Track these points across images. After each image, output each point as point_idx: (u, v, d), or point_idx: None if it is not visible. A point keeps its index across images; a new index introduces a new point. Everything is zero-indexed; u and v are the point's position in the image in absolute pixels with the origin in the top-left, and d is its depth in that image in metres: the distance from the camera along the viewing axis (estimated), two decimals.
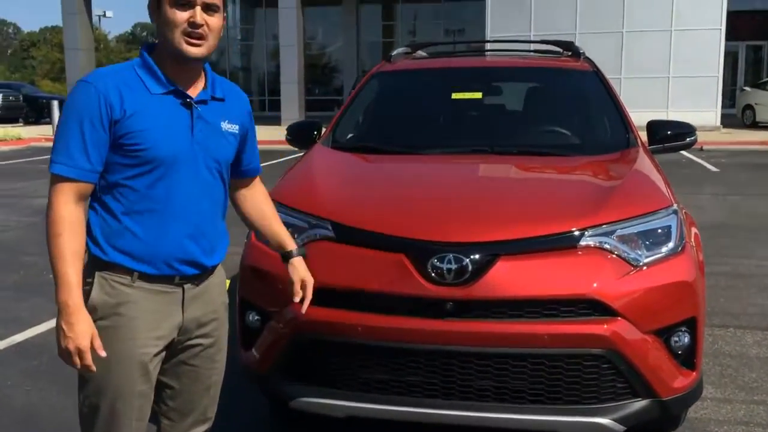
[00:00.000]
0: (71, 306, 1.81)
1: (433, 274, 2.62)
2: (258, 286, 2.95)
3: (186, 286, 2.00)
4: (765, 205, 8.97)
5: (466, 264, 2.61)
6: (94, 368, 1.83)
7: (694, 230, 3.09)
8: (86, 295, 1.90)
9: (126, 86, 1.89)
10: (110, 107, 1.85)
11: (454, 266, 2.61)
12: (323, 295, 2.71)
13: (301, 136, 4.20)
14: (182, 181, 1.93)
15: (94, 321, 1.87)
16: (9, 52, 74.49)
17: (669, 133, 3.91)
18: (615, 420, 2.61)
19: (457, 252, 2.62)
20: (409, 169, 3.61)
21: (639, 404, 2.65)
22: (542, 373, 2.61)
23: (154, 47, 1.98)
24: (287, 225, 2.94)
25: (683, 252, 2.79)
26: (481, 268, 2.61)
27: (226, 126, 2.04)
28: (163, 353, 2.02)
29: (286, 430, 3.31)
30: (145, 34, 70.74)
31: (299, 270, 2.32)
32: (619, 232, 2.74)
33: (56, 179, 1.86)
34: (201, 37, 1.90)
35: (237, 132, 2.08)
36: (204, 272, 2.04)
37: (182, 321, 2.01)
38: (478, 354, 2.61)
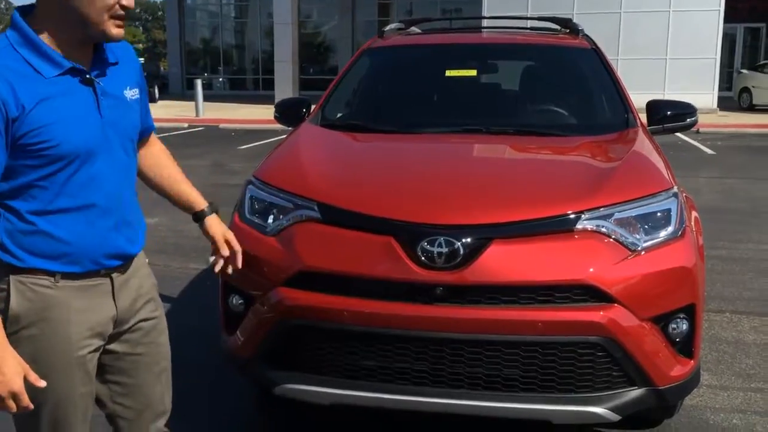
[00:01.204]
0: None
1: (423, 258, 2.51)
2: (241, 269, 2.83)
3: (113, 275, 1.83)
4: (761, 188, 8.89)
5: (458, 247, 2.50)
6: (32, 406, 1.64)
7: (694, 214, 2.99)
8: (3, 303, 1.69)
9: (14, 73, 1.58)
10: (3, 104, 1.56)
11: (445, 250, 2.50)
12: (308, 279, 2.62)
13: (289, 113, 4.07)
14: (100, 170, 1.72)
15: (19, 331, 1.68)
16: None
17: (669, 113, 3.79)
18: (610, 409, 2.53)
19: (448, 235, 2.52)
20: (400, 149, 3.49)
21: (635, 393, 2.56)
22: (535, 361, 2.52)
23: (30, 12, 1.67)
24: (271, 206, 2.86)
25: (683, 236, 2.69)
26: (473, 252, 2.51)
27: (129, 93, 1.81)
28: (101, 349, 1.85)
29: (271, 418, 3.22)
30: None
31: (217, 226, 2.19)
32: (617, 216, 2.64)
33: None
34: (124, 18, 1.69)
35: (138, 96, 1.86)
36: (129, 261, 1.88)
37: (116, 312, 1.85)
38: (469, 341, 2.51)
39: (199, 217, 2.16)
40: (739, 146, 12.95)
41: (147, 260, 2.01)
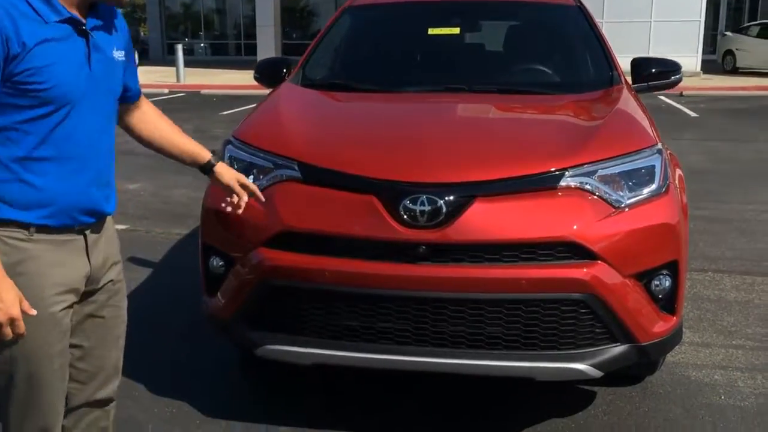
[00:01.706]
0: None
1: (405, 217, 2.48)
2: (221, 230, 2.80)
3: (87, 233, 1.83)
4: (743, 150, 8.92)
5: (441, 206, 2.47)
6: (25, 333, 1.67)
7: (678, 172, 2.97)
8: None
9: (18, 13, 1.62)
10: (6, 40, 1.59)
11: (427, 208, 2.47)
12: (289, 239, 2.58)
13: (269, 73, 3.99)
14: (85, 122, 1.74)
15: None
16: None
17: (653, 70, 3.76)
18: (592, 365, 2.53)
19: (430, 193, 2.49)
20: (382, 108, 3.44)
21: (617, 349, 2.56)
22: (519, 319, 2.51)
23: None
24: (251, 166, 2.81)
25: (667, 193, 2.68)
26: (456, 210, 2.48)
27: (116, 54, 1.84)
28: (73, 307, 1.84)
29: (253, 380, 3.21)
30: None
31: (228, 172, 2.19)
32: (600, 173, 2.62)
33: None
34: None
35: (123, 59, 1.88)
36: (102, 220, 1.89)
37: (90, 269, 1.85)
38: (452, 299, 2.50)
39: (207, 167, 2.15)
40: (722, 109, 12.95)
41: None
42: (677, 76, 3.77)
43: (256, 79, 4.07)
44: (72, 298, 1.81)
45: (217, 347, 3.33)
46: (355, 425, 2.82)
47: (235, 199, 2.21)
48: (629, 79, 3.72)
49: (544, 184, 2.57)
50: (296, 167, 2.68)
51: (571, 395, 3.03)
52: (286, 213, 2.59)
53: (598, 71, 3.73)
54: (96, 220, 1.84)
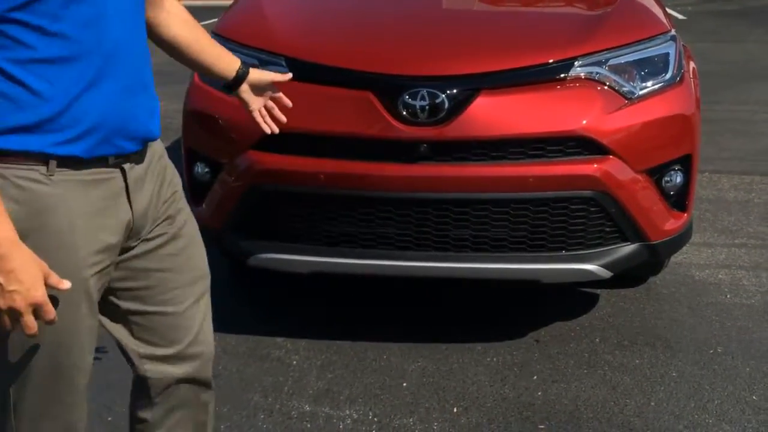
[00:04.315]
0: (2, 241, 1.14)
1: (404, 113, 2.32)
2: (205, 133, 2.61)
3: (126, 166, 1.32)
4: (733, 51, 8.75)
5: (442, 100, 2.31)
6: (55, 318, 1.21)
7: (692, 64, 2.81)
8: None
9: None
10: None
11: (428, 103, 2.31)
12: (280, 141, 2.39)
13: None
14: (108, 2, 1.24)
15: None
16: None
17: None
18: (602, 266, 2.43)
19: (431, 87, 2.32)
20: None
21: (627, 248, 2.46)
22: (525, 220, 2.39)
23: None
24: None
25: (681, 83, 2.53)
26: (458, 105, 2.32)
27: None
28: (109, 271, 1.36)
29: (246, 290, 3.09)
30: None
31: (264, 74, 1.77)
32: (612, 62, 2.45)
33: None
34: None
35: None
36: (145, 146, 1.37)
37: (131, 217, 1.34)
38: (456, 200, 2.37)
39: (242, 74, 1.70)
40: (710, 11, 12.67)
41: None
42: None
43: None
44: (108, 259, 1.33)
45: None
46: (357, 336, 2.72)
47: (277, 114, 1.81)
48: None
49: (551, 74, 2.41)
50: (284, 63, 2.48)
51: (575, 299, 2.95)
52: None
53: None
54: (139, 147, 1.34)
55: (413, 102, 2.31)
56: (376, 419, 2.28)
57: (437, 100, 2.30)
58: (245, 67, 1.71)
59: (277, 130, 1.84)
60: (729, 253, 3.35)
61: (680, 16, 11.88)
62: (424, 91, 2.31)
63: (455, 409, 2.32)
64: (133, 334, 1.45)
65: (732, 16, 11.87)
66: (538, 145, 2.34)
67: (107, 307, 1.41)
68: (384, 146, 2.35)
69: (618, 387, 2.42)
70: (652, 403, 2.34)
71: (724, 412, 2.29)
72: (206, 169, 2.61)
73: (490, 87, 2.34)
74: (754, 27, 10.56)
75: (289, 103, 1.82)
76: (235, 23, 2.80)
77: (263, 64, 2.51)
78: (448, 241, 2.42)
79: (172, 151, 1.77)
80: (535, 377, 2.47)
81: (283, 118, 1.82)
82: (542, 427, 2.24)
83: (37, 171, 1.21)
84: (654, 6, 2.84)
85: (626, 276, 2.86)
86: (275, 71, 2.47)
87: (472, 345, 2.64)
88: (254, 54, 2.55)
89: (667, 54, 2.54)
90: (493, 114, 2.33)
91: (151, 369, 1.47)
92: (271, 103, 1.81)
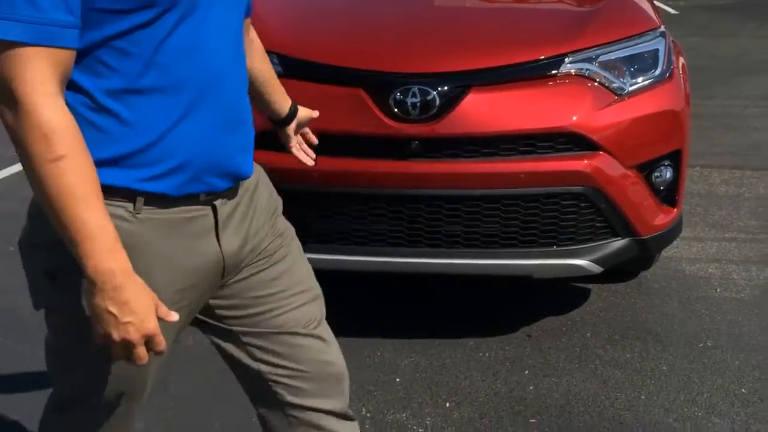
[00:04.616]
0: (117, 272, 1.08)
1: (395, 110, 2.33)
2: None
3: (217, 203, 1.25)
4: (725, 46, 8.77)
5: (433, 97, 2.32)
6: (166, 351, 1.17)
7: (681, 60, 2.83)
8: (55, 246, 1.12)
9: None
10: None
11: (419, 100, 2.32)
12: (272, 139, 2.40)
13: None
14: (207, 35, 1.17)
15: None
16: None
17: None
18: (592, 261, 2.45)
19: (422, 84, 2.33)
20: None
21: (618, 244, 2.49)
22: (516, 215, 2.41)
23: None
24: None
25: (671, 79, 2.55)
26: (449, 102, 2.33)
27: None
28: (199, 306, 1.31)
29: None
30: None
31: (306, 113, 1.74)
32: (601, 58, 2.47)
33: (12, 52, 1.03)
34: None
35: None
36: (237, 184, 1.29)
37: (222, 257, 1.26)
38: (447, 197, 2.38)
39: (293, 112, 1.68)
40: (703, 5, 12.68)
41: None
42: None
43: None
44: (190, 296, 1.26)
45: None
46: (351, 332, 2.73)
47: (305, 148, 1.77)
48: None
49: (542, 71, 2.42)
50: (276, 60, 2.48)
51: (567, 294, 2.97)
52: None
53: None
54: (230, 184, 1.26)
55: (405, 99, 2.32)
56: (369, 414, 2.29)
57: (428, 97, 2.32)
58: (294, 105, 1.69)
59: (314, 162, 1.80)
60: (719, 248, 3.38)
61: (672, 11, 11.89)
62: (415, 88, 2.32)
63: (448, 404, 2.34)
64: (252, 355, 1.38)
65: (724, 11, 11.90)
66: (528, 142, 2.36)
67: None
68: (376, 143, 2.36)
69: (609, 381, 2.44)
70: (643, 397, 2.36)
71: (713, 405, 2.32)
72: None
73: (480, 84, 2.36)
74: (746, 21, 10.59)
75: (315, 140, 1.80)
76: None
77: None
78: (440, 237, 2.44)
79: None
80: (526, 372, 2.49)
81: (313, 154, 1.81)
82: (533, 421, 2.26)
83: (123, 208, 1.16)
84: (643, 2, 2.86)
85: (617, 271, 2.88)
86: None
87: (464, 340, 2.66)
88: None
89: (657, 50, 2.56)
90: (484, 110, 2.34)
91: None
92: (300, 138, 1.80)
